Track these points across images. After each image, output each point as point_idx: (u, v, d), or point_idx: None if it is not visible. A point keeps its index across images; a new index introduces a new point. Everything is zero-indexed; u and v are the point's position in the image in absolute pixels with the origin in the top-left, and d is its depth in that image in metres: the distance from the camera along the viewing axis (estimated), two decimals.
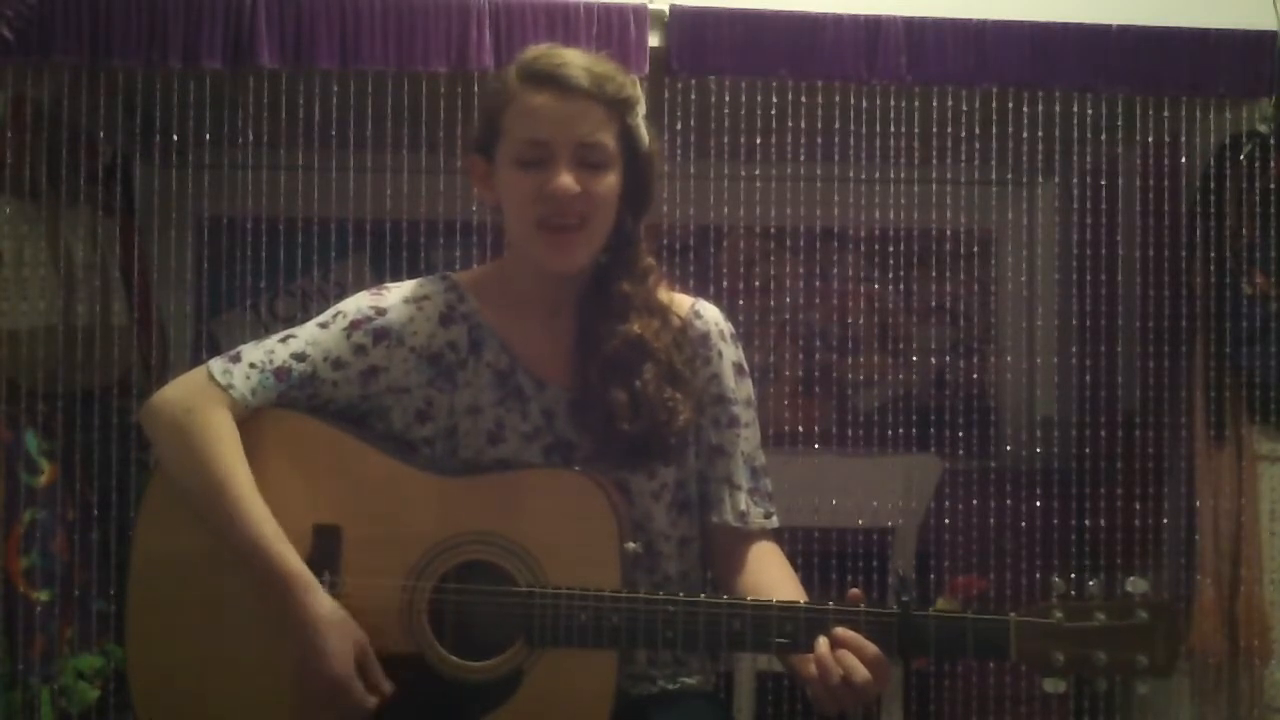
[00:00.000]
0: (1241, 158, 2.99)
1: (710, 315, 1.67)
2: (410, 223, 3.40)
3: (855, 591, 1.43)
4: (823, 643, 1.41)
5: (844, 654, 1.39)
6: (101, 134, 2.93)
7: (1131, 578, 1.40)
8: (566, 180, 1.51)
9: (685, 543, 1.65)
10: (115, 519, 2.89)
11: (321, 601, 1.47)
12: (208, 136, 2.98)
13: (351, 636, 1.46)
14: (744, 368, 1.68)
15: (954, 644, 1.40)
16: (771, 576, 1.59)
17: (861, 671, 1.38)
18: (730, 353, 1.66)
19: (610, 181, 1.56)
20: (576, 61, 1.54)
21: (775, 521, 1.66)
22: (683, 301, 1.68)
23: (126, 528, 2.87)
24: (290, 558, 1.48)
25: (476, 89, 2.78)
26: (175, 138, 3.10)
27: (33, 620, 2.69)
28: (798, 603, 1.45)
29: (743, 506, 1.63)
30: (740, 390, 1.66)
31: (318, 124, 2.84)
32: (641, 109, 1.59)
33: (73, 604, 2.80)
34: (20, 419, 2.75)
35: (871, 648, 1.39)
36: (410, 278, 1.69)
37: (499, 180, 1.58)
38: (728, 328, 1.68)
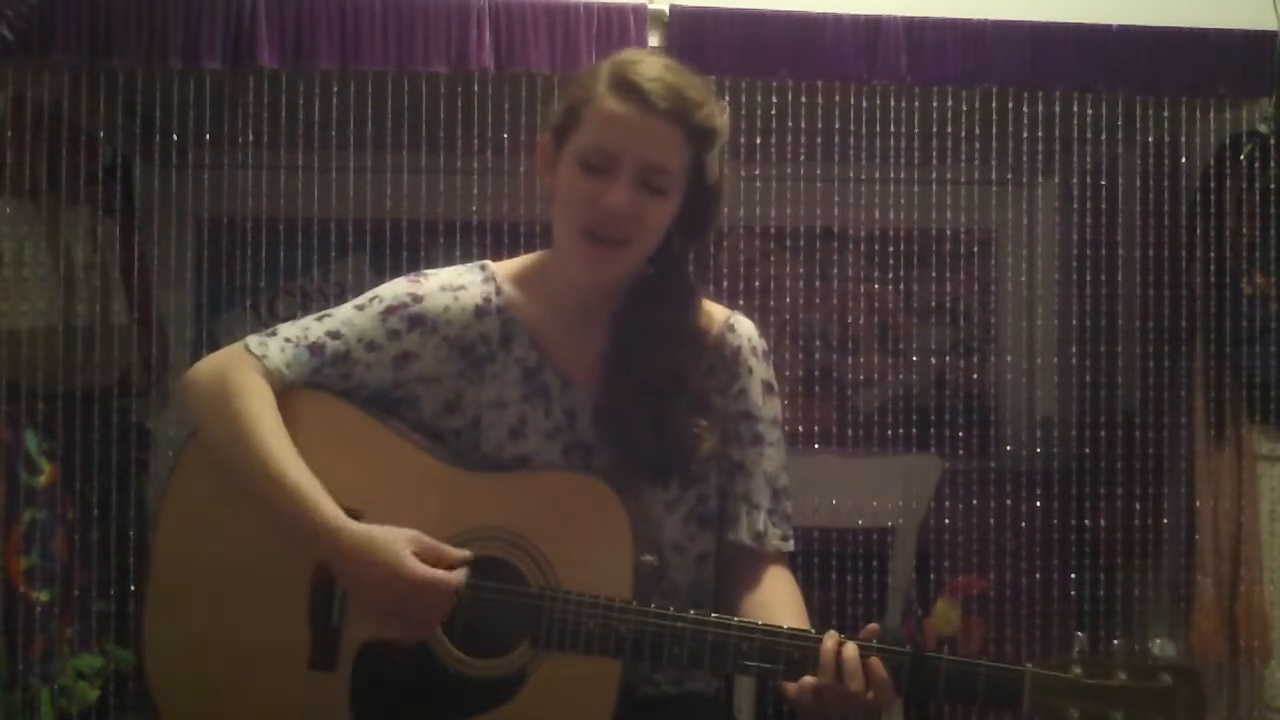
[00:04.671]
0: (1241, 158, 2.99)
1: (744, 331, 1.65)
2: (410, 223, 3.40)
3: (872, 626, 1.42)
4: (831, 637, 1.40)
5: (848, 658, 1.38)
6: (101, 134, 2.93)
7: (1159, 639, 1.39)
8: (621, 198, 1.48)
9: (702, 558, 1.63)
10: (115, 519, 2.89)
11: (355, 530, 1.47)
12: (208, 136, 2.97)
13: (398, 538, 1.46)
14: (773, 386, 1.66)
15: (964, 689, 1.39)
16: (779, 602, 1.58)
17: (859, 678, 1.37)
18: (761, 370, 1.64)
19: (666, 209, 1.53)
20: (667, 79, 1.49)
21: (791, 545, 1.65)
22: (718, 314, 1.66)
23: (126, 528, 2.88)
24: (321, 496, 1.48)
25: (477, 89, 2.78)
26: (175, 138, 3.10)
27: (33, 620, 2.69)
28: (808, 631, 1.44)
29: (760, 527, 1.62)
30: (767, 409, 1.64)
31: (318, 124, 2.84)
32: (722, 139, 1.55)
33: (73, 604, 2.80)
34: (20, 419, 2.75)
35: (881, 670, 1.38)
36: None
37: (561, 173, 1.55)
38: (761, 344, 1.66)
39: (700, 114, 1.51)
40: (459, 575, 1.46)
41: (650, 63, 1.52)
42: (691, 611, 1.46)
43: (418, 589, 1.44)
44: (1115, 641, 1.39)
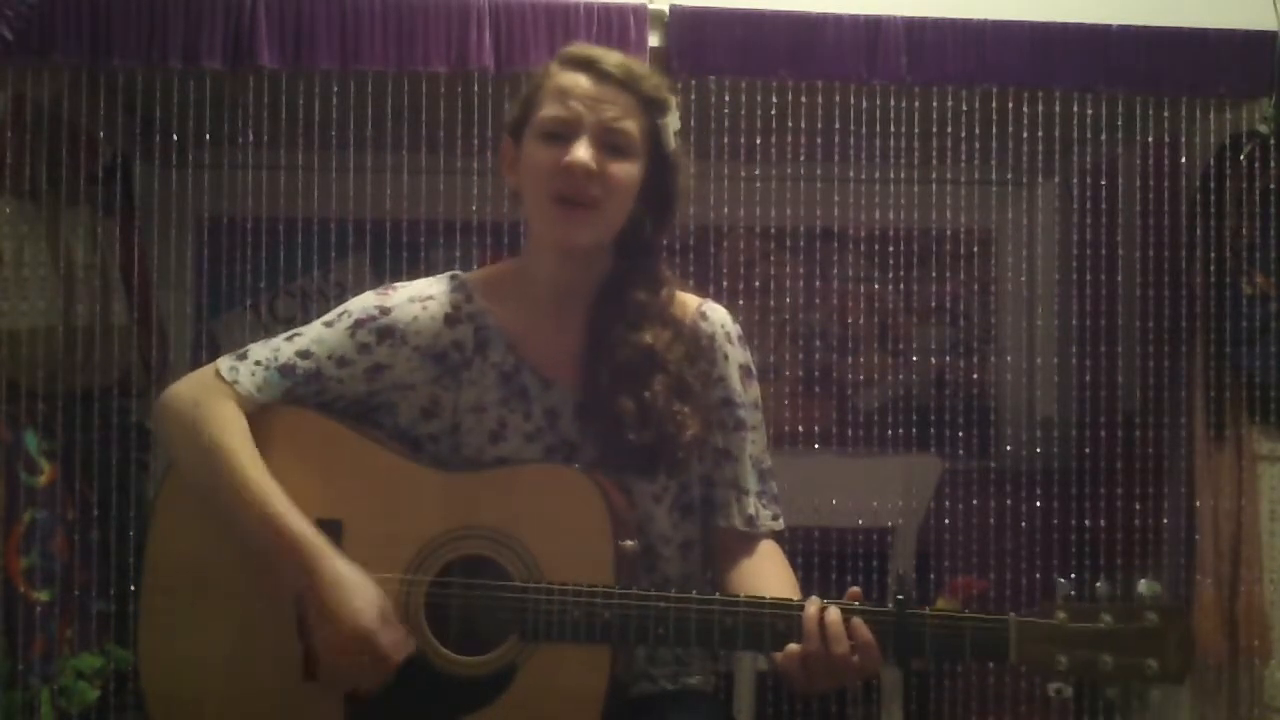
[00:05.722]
0: (1241, 158, 2.99)
1: (717, 317, 1.66)
2: (410, 223, 3.40)
3: (855, 590, 1.42)
4: (813, 603, 1.40)
5: (831, 622, 1.38)
6: (101, 134, 2.93)
7: (1143, 580, 1.37)
8: (584, 154, 1.52)
9: (687, 546, 1.65)
10: (115, 519, 2.89)
11: (337, 564, 1.48)
12: (208, 136, 2.97)
13: (373, 594, 1.47)
14: (751, 370, 1.67)
15: (951, 645, 1.38)
16: (769, 575, 1.58)
17: (843, 641, 1.37)
18: (737, 355, 1.65)
19: (630, 170, 1.56)
20: (614, 55, 1.58)
21: (781, 524, 1.66)
22: (690, 302, 1.67)
23: (126, 528, 2.88)
24: (303, 525, 1.49)
25: (477, 89, 2.78)
26: (175, 138, 3.10)
27: (33, 620, 2.69)
28: (790, 600, 1.44)
29: (751, 510, 1.63)
30: (747, 393, 1.65)
31: (318, 124, 2.84)
32: (673, 120, 1.60)
33: (73, 604, 2.80)
34: (20, 419, 2.75)
35: (865, 632, 1.38)
36: (410, 278, 1.70)
37: (523, 157, 1.58)
38: (735, 330, 1.67)
39: (649, 83, 1.57)
40: (401, 652, 1.46)
41: (596, 47, 1.61)
42: (673, 591, 1.47)
43: (361, 645, 1.45)
44: (1098, 585, 1.37)
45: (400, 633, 1.48)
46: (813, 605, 1.40)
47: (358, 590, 1.46)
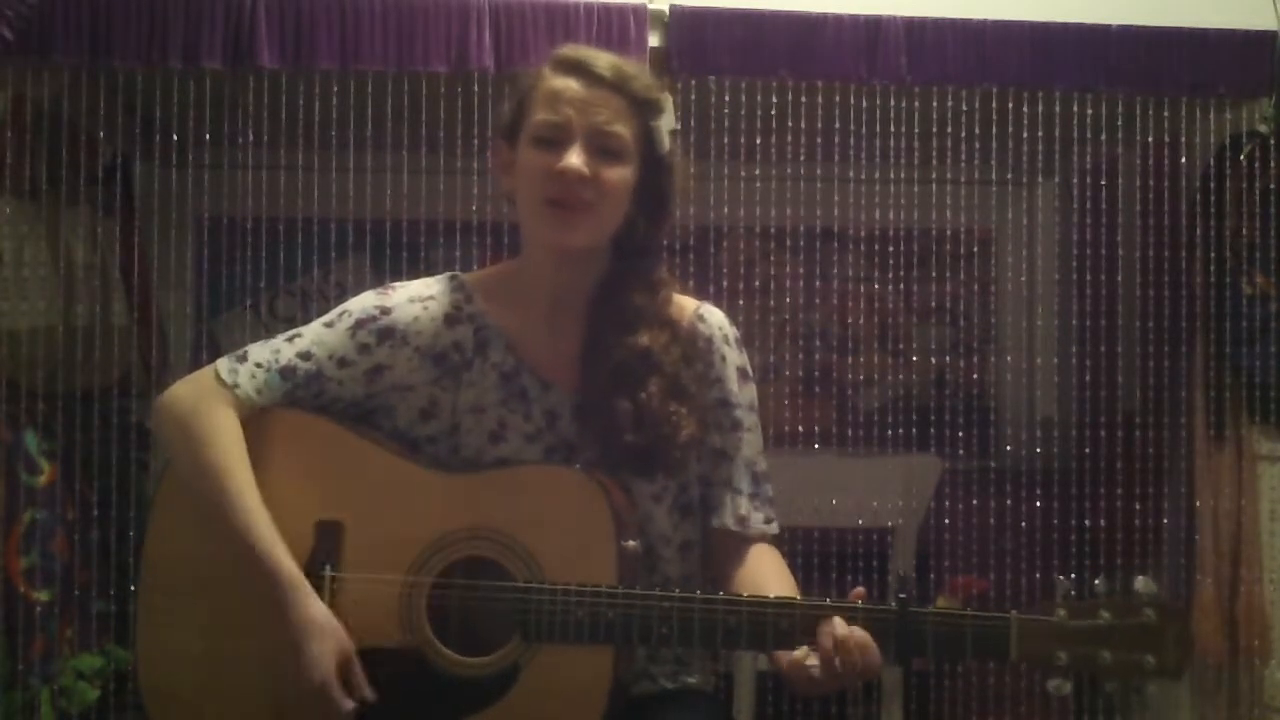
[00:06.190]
0: (1241, 158, 2.99)
1: (714, 320, 1.67)
2: (410, 223, 3.40)
3: (859, 590, 1.43)
4: (828, 619, 1.40)
5: (844, 638, 1.38)
6: (101, 134, 2.93)
7: (1140, 577, 1.38)
8: (576, 160, 1.52)
9: (686, 546, 1.65)
10: (115, 519, 2.89)
11: (309, 604, 1.48)
12: (208, 136, 2.97)
13: (335, 641, 1.47)
14: (747, 372, 1.68)
15: (953, 643, 1.39)
16: (767, 578, 1.58)
17: (854, 654, 1.37)
18: (734, 357, 1.66)
19: (623, 174, 1.56)
20: (605, 57, 1.58)
21: (775, 528, 1.66)
22: (687, 305, 1.68)
23: (126, 528, 2.88)
24: (282, 559, 1.49)
25: (477, 89, 2.78)
26: (175, 138, 3.10)
27: (33, 620, 2.69)
28: (794, 599, 1.45)
29: (743, 511, 1.63)
30: (743, 395, 1.66)
31: (318, 124, 2.84)
32: (667, 120, 1.61)
33: (73, 604, 2.80)
34: (20, 419, 2.75)
35: (870, 645, 1.39)
36: (410, 278, 1.70)
37: (517, 161, 1.59)
38: (732, 332, 1.68)
39: (640, 83, 1.58)
40: (347, 705, 1.46)
41: (588, 48, 1.62)
42: (677, 591, 1.47)
43: (315, 692, 1.45)
44: (1097, 582, 1.39)
45: (360, 684, 1.47)
46: (828, 623, 1.39)
47: (320, 637, 1.46)
